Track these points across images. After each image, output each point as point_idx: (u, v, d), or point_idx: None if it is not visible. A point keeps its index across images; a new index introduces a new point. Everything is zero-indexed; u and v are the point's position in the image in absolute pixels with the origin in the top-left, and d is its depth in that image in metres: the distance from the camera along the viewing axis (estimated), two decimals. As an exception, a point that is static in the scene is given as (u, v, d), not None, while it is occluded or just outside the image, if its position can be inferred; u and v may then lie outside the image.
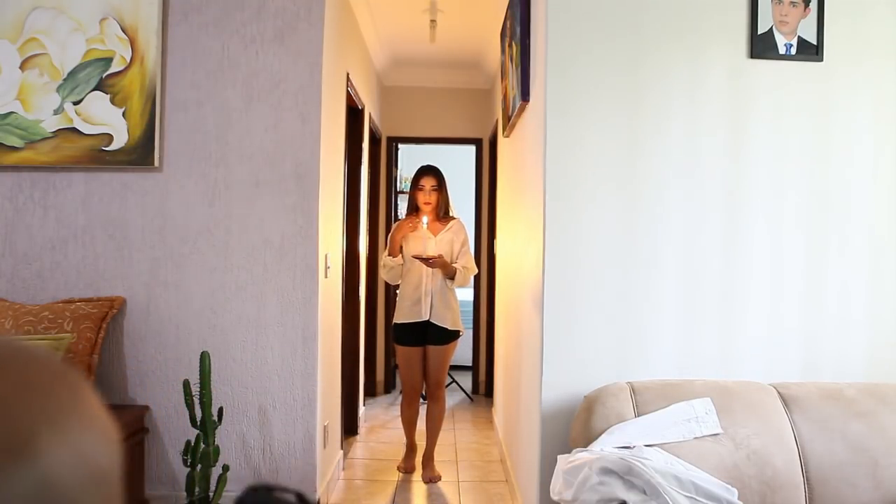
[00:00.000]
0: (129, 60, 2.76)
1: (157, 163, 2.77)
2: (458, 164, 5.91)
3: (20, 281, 2.77)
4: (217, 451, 2.51)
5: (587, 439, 1.96)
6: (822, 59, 2.32)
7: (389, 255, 3.55)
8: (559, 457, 1.92)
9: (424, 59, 5.09)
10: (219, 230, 2.79)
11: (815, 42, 2.31)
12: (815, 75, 2.32)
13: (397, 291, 3.71)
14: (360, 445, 4.11)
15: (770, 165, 2.32)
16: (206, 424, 2.48)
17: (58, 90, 2.75)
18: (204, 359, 2.51)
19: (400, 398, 4.03)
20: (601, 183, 2.29)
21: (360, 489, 3.38)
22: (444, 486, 3.46)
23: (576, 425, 2.06)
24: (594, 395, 2.07)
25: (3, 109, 2.75)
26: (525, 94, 2.71)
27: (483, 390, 5.43)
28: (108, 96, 2.75)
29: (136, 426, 2.67)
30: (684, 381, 2.12)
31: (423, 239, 3.53)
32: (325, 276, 2.98)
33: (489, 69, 4.91)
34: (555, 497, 1.84)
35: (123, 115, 2.75)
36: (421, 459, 3.64)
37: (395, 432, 4.26)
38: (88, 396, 0.40)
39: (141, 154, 2.76)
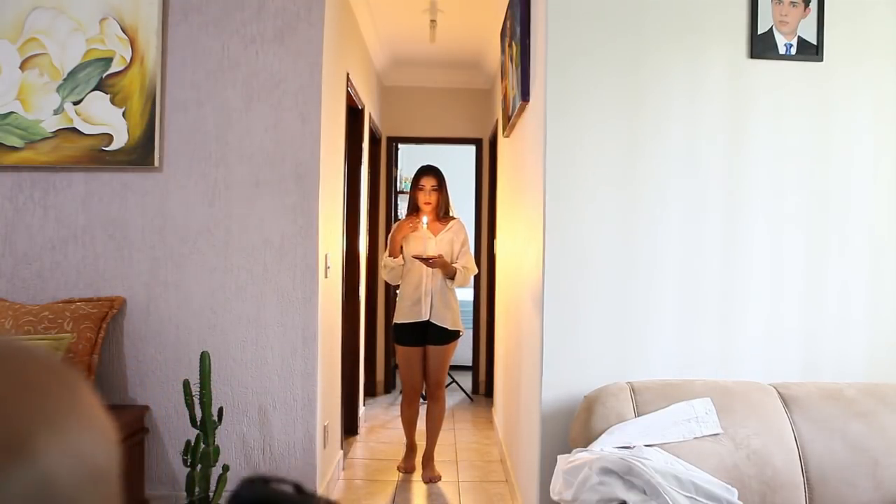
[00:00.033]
0: (129, 60, 2.76)
1: (157, 163, 2.77)
2: (458, 164, 5.91)
3: (20, 281, 2.77)
4: (217, 451, 2.51)
5: (587, 439, 1.96)
6: (822, 59, 2.32)
7: (390, 255, 3.55)
8: (559, 457, 1.92)
9: (424, 59, 5.09)
10: (219, 230, 2.79)
11: (815, 42, 2.31)
12: (815, 75, 2.32)
13: (397, 291, 3.71)
14: (360, 445, 4.11)
15: (770, 165, 2.32)
16: (206, 424, 2.48)
17: (58, 90, 2.75)
18: (204, 359, 2.51)
19: (400, 398, 4.03)
20: (601, 183, 2.29)
21: (360, 489, 3.38)
22: (444, 486, 3.46)
23: (576, 425, 2.06)
24: (594, 395, 2.07)
25: (3, 109, 2.75)
26: (525, 94, 2.71)
27: (483, 390, 5.43)
28: (108, 96, 2.75)
29: (136, 426, 2.67)
30: (684, 381, 2.12)
31: (424, 239, 3.53)
32: (325, 276, 2.98)
33: (489, 69, 4.91)
34: (555, 497, 1.84)
35: (123, 115, 2.75)
36: (421, 459, 3.64)
37: (395, 432, 4.26)
38: (86, 395, 0.40)
39: (141, 154, 2.76)
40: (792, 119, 2.32)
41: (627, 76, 2.30)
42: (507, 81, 3.27)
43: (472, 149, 5.59)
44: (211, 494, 2.49)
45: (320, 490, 2.89)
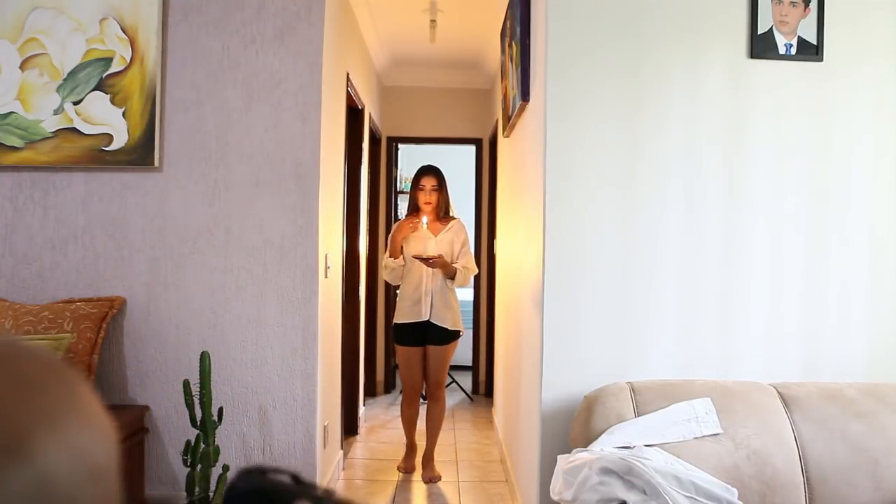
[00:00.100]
0: (129, 60, 2.76)
1: (157, 163, 2.77)
2: (458, 164, 5.91)
3: (20, 281, 2.77)
4: (217, 451, 2.51)
5: (587, 439, 1.96)
6: (822, 59, 2.32)
7: (390, 256, 3.55)
8: (559, 457, 1.92)
9: (424, 59, 5.09)
10: (219, 230, 2.79)
11: (815, 42, 2.31)
12: (815, 75, 2.32)
13: (397, 291, 3.71)
14: (360, 445, 4.11)
15: (770, 165, 2.32)
16: (206, 424, 2.48)
17: (58, 90, 2.75)
18: (204, 359, 2.51)
19: (400, 398, 4.03)
20: (601, 183, 2.29)
21: (360, 489, 3.38)
22: (444, 486, 3.46)
23: (576, 425, 2.06)
24: (594, 395, 2.07)
25: (3, 109, 2.75)
26: (525, 94, 2.71)
27: (483, 390, 5.43)
28: (108, 96, 2.75)
29: (136, 426, 2.67)
30: (684, 381, 2.12)
31: (424, 239, 3.53)
32: (325, 276, 2.98)
33: (489, 69, 4.91)
34: (555, 497, 1.84)
35: (123, 115, 2.75)
36: (421, 459, 3.64)
37: (395, 432, 4.26)
38: (85, 394, 0.40)
39: (141, 154, 2.76)
40: (792, 119, 2.32)
41: (627, 76, 2.30)
42: (507, 81, 3.27)
43: (472, 149, 5.59)
44: (211, 494, 2.49)
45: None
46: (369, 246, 4.97)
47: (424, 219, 3.52)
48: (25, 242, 2.78)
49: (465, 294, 5.30)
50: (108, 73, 2.75)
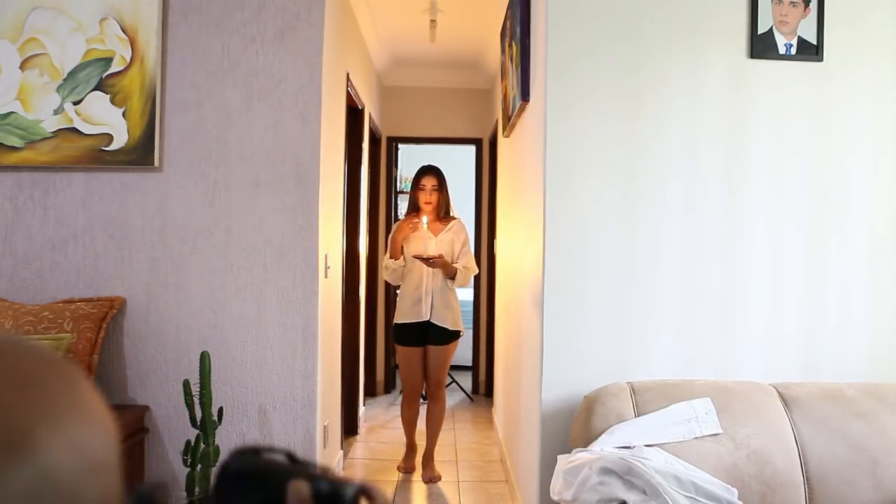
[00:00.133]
0: (129, 60, 2.76)
1: (157, 163, 2.77)
2: (458, 164, 5.91)
3: (20, 281, 2.77)
4: (217, 451, 2.51)
5: (587, 439, 1.96)
6: (822, 59, 2.32)
7: (391, 257, 3.55)
8: (559, 457, 1.92)
9: (424, 59, 5.09)
10: (219, 230, 2.79)
11: (815, 42, 2.31)
12: (815, 75, 2.32)
13: (397, 291, 3.71)
14: (360, 445, 4.11)
15: (770, 165, 2.32)
16: (206, 424, 2.48)
17: (58, 90, 2.75)
18: (204, 359, 2.51)
19: (400, 398, 4.03)
20: (601, 183, 2.29)
21: (360, 489, 3.38)
22: (444, 486, 3.46)
23: (576, 425, 2.06)
24: (594, 395, 2.07)
25: (3, 109, 2.75)
26: (525, 94, 2.71)
27: (483, 390, 5.43)
28: (108, 96, 2.75)
29: (136, 426, 2.67)
30: (684, 381, 2.12)
31: (424, 239, 3.53)
32: (325, 276, 2.98)
33: (489, 69, 4.91)
34: (555, 497, 1.84)
35: (123, 115, 2.75)
36: (421, 459, 3.64)
37: (395, 432, 4.26)
38: (85, 390, 0.41)
39: (141, 154, 2.76)
40: (792, 119, 2.32)
41: (628, 76, 2.30)
42: (507, 81, 3.27)
43: (472, 149, 5.59)
44: (211, 494, 2.48)
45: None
46: (369, 246, 4.97)
47: (425, 219, 3.52)
48: (25, 242, 2.78)
49: (465, 294, 5.30)
50: (108, 73, 2.75)
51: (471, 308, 5.51)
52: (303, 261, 2.79)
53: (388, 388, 5.52)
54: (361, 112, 4.22)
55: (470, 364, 5.69)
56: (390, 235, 3.65)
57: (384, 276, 3.69)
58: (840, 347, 2.33)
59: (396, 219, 5.14)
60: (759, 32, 2.30)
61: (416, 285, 3.50)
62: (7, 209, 2.78)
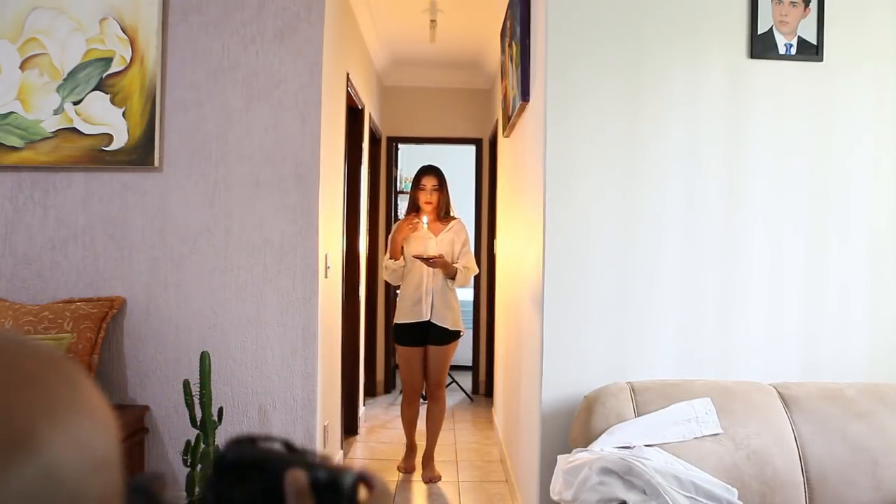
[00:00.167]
0: (129, 60, 2.76)
1: (157, 163, 2.77)
2: (458, 164, 5.91)
3: (20, 281, 2.77)
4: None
5: (587, 439, 1.96)
6: (822, 59, 2.32)
7: (391, 257, 3.55)
8: (559, 457, 1.92)
9: (424, 59, 5.09)
10: (219, 230, 2.79)
11: (815, 42, 2.31)
12: (815, 75, 2.32)
13: (397, 291, 3.71)
14: (360, 445, 4.11)
15: (770, 165, 2.32)
16: (206, 424, 2.48)
17: (58, 90, 2.75)
18: (204, 359, 2.51)
19: (400, 398, 4.03)
20: (601, 183, 2.29)
21: (360, 489, 3.38)
22: (444, 486, 3.46)
23: (576, 425, 2.06)
24: (594, 395, 2.07)
25: (3, 109, 2.75)
26: (525, 94, 2.71)
27: (483, 390, 5.43)
28: (108, 96, 2.75)
29: (136, 426, 2.67)
30: (684, 381, 2.12)
31: (424, 239, 3.53)
32: (325, 276, 2.98)
33: (489, 69, 4.91)
34: (555, 497, 1.84)
35: (123, 115, 2.75)
36: (421, 459, 3.64)
37: (395, 432, 4.26)
38: (86, 386, 0.41)
39: (141, 154, 2.76)
40: (792, 119, 2.32)
41: (628, 76, 2.30)
42: (507, 81, 3.27)
43: (472, 149, 5.59)
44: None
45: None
46: (369, 246, 4.97)
47: (425, 218, 3.52)
48: (25, 242, 2.78)
49: (465, 294, 5.30)
50: (108, 73, 2.75)
51: (471, 308, 5.51)
52: (303, 261, 2.79)
53: (388, 388, 5.52)
54: (361, 112, 4.22)
55: (470, 364, 5.69)
56: (390, 236, 3.65)
57: (384, 276, 3.69)
58: (840, 347, 2.33)
59: (396, 219, 5.14)
60: (760, 32, 2.30)
61: (417, 285, 3.50)
62: (7, 209, 2.78)
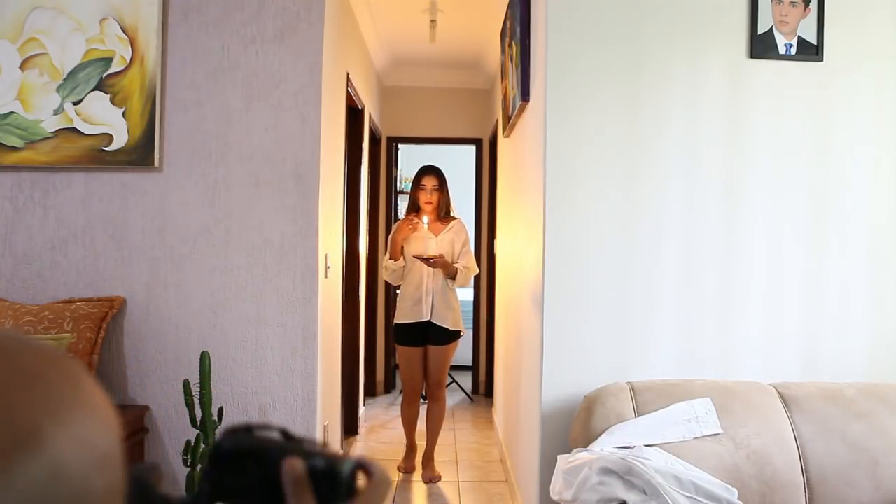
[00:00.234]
0: (129, 60, 2.75)
1: (157, 163, 2.77)
2: (458, 164, 5.91)
3: (20, 281, 2.77)
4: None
5: (587, 439, 1.96)
6: (822, 59, 2.32)
7: (390, 258, 3.55)
8: (559, 457, 1.92)
9: (424, 59, 5.09)
10: (219, 230, 2.79)
11: (815, 42, 2.31)
12: (815, 75, 2.32)
13: (398, 291, 3.71)
14: (360, 445, 4.11)
15: (770, 165, 2.32)
16: (206, 424, 2.48)
17: (58, 90, 2.75)
18: (204, 359, 2.51)
19: (400, 398, 4.03)
20: (601, 183, 2.29)
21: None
22: (444, 486, 3.46)
23: (576, 425, 2.06)
24: (594, 395, 2.07)
25: (3, 109, 2.74)
26: (525, 94, 2.71)
27: (483, 390, 5.43)
28: (108, 96, 2.75)
29: (136, 426, 2.67)
30: (684, 381, 2.12)
31: (425, 239, 3.53)
32: (325, 276, 2.98)
33: (489, 69, 4.91)
34: (555, 497, 1.84)
35: (123, 115, 2.75)
36: (421, 459, 3.65)
37: (395, 432, 4.26)
38: (87, 384, 0.41)
39: (141, 154, 2.76)
40: (792, 119, 2.33)
41: (628, 77, 2.30)
42: (507, 81, 3.27)
43: (472, 149, 5.59)
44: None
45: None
46: (369, 246, 4.97)
47: (425, 218, 3.52)
48: (25, 242, 2.78)
49: (465, 294, 5.30)
50: (108, 73, 2.75)
51: (471, 308, 5.51)
52: (303, 261, 2.79)
53: (388, 388, 5.52)
54: (361, 112, 4.22)
55: (470, 364, 5.69)
56: (390, 236, 3.65)
57: (384, 276, 3.69)
58: (840, 347, 2.33)
59: (396, 219, 5.14)
60: (760, 32, 2.30)
61: (417, 285, 3.50)
62: (7, 209, 2.78)
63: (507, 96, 3.31)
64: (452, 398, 5.22)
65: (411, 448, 3.70)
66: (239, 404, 2.80)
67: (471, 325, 5.44)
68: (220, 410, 2.60)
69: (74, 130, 2.75)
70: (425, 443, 3.62)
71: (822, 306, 2.33)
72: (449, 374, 4.68)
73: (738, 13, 2.31)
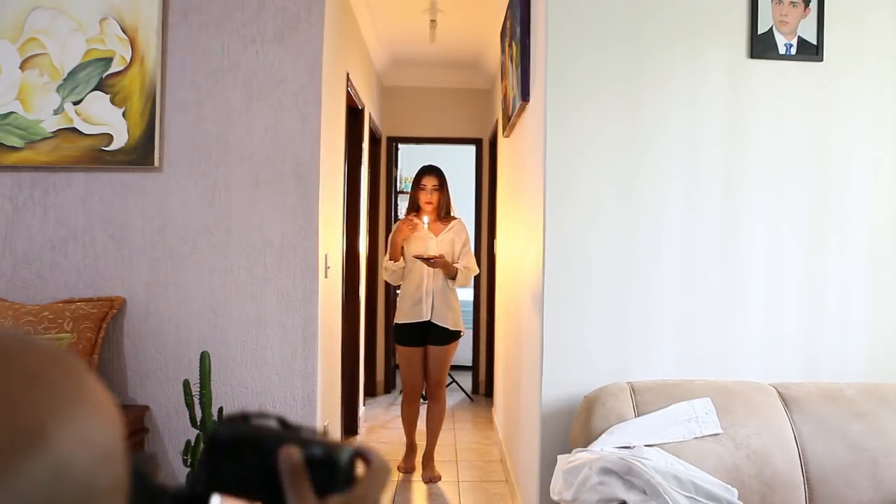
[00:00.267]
0: (129, 60, 2.75)
1: (157, 163, 2.77)
2: (458, 164, 5.91)
3: (20, 281, 2.77)
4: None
5: (587, 439, 1.96)
6: (822, 59, 2.32)
7: (390, 258, 3.55)
8: (559, 457, 1.92)
9: (424, 59, 5.09)
10: (219, 230, 2.79)
11: (815, 42, 2.31)
12: (815, 75, 2.32)
13: (398, 291, 3.71)
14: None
15: (770, 165, 2.32)
16: (206, 424, 2.48)
17: (58, 90, 2.75)
18: (204, 359, 2.51)
19: (400, 398, 4.03)
20: (601, 183, 2.29)
21: (360, 489, 3.38)
22: (444, 486, 3.46)
23: (576, 425, 2.06)
24: (594, 395, 2.07)
25: (3, 109, 2.74)
26: (525, 94, 2.71)
27: (483, 390, 5.43)
28: (108, 96, 2.75)
29: (136, 426, 2.67)
30: (684, 381, 2.12)
31: (425, 239, 3.53)
32: (325, 276, 2.98)
33: (489, 69, 4.91)
34: (555, 497, 1.84)
35: (123, 115, 2.75)
36: (421, 459, 3.65)
37: (395, 432, 4.26)
38: (89, 381, 0.42)
39: (141, 154, 2.76)
40: (792, 119, 2.33)
41: (628, 77, 2.30)
42: (507, 81, 3.27)
43: (472, 149, 5.59)
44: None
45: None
46: (369, 246, 4.97)
47: (425, 218, 3.52)
48: (25, 242, 2.78)
49: (466, 294, 5.30)
50: (108, 73, 2.75)
51: (471, 308, 5.51)
52: (303, 261, 2.79)
53: (388, 388, 5.52)
54: (361, 112, 4.22)
55: (470, 364, 5.69)
56: (390, 237, 3.65)
57: (384, 276, 3.69)
58: (840, 347, 2.33)
59: (396, 219, 5.14)
60: (760, 32, 2.30)
61: (417, 285, 3.50)
62: (7, 209, 2.78)
63: (507, 96, 3.31)
64: (452, 398, 5.22)
65: (411, 448, 3.70)
66: (239, 404, 2.79)
67: (471, 325, 5.44)
68: (220, 410, 2.60)
69: (74, 130, 2.75)
70: (425, 443, 3.62)
71: (822, 306, 2.33)
72: (449, 374, 4.68)
73: (738, 13, 2.31)
